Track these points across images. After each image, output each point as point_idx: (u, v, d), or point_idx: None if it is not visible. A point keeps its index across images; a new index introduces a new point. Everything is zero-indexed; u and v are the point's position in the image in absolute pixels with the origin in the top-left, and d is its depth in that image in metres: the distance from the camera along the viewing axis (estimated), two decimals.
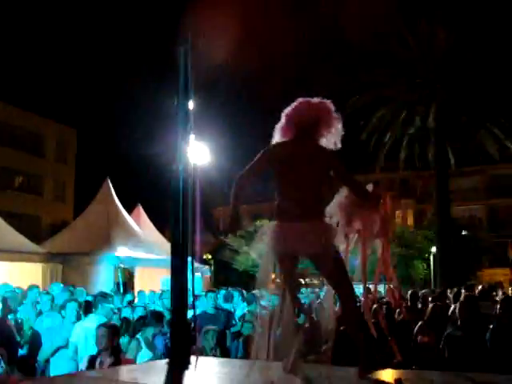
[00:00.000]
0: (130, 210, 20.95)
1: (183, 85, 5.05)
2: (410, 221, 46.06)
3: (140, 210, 22.17)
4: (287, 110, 4.43)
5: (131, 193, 27.08)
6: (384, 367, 4.17)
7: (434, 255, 30.85)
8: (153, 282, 17.42)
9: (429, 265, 33.35)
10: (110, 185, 19.74)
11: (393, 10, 28.20)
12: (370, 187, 4.53)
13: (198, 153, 5.08)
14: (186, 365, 4.60)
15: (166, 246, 19.97)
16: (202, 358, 4.99)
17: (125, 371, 4.42)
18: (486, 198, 46.61)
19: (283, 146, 4.37)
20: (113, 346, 5.58)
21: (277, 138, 4.43)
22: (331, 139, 4.46)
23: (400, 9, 29.22)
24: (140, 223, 20.81)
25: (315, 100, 4.42)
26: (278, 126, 4.43)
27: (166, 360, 4.73)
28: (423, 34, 27.63)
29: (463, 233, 35.88)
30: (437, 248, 28.67)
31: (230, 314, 9.62)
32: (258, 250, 4.44)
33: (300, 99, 4.43)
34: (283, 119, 4.42)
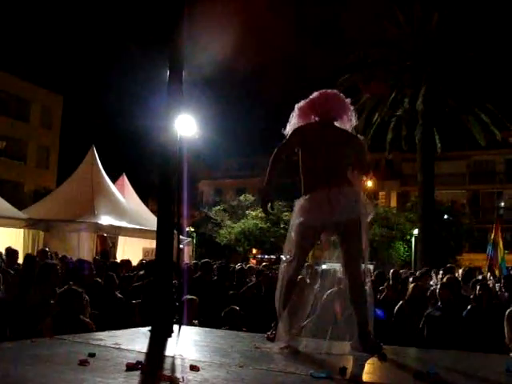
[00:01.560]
0: (114, 179, 20.84)
1: (176, 55, 4.99)
2: (394, 202, 46.34)
3: (124, 179, 22.04)
4: (313, 96, 4.79)
5: (116, 162, 26.97)
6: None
7: (415, 237, 31.08)
8: (135, 251, 17.41)
9: (410, 247, 33.64)
10: (95, 153, 19.60)
11: None
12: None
13: (185, 125, 5.01)
14: (168, 333, 4.61)
15: (149, 216, 20.04)
16: (184, 327, 5.00)
17: (108, 336, 4.41)
18: (469, 183, 46.96)
19: (313, 127, 4.69)
20: None
21: (297, 119, 4.78)
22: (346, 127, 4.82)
23: None
24: (124, 193, 20.72)
25: (333, 91, 4.83)
26: (300, 109, 4.79)
27: (149, 328, 4.72)
28: (416, 16, 27.58)
29: (445, 217, 36.14)
30: (419, 230, 28.87)
31: None
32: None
33: (322, 91, 4.82)
34: (306, 103, 4.77)
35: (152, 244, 16.47)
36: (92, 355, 3.51)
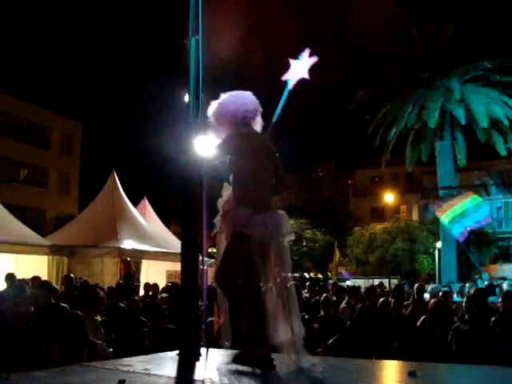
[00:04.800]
0: (135, 203, 20.96)
1: (194, 77, 5.02)
2: (415, 215, 46.00)
3: (146, 203, 22.16)
4: (227, 98, 4.57)
5: (137, 186, 27.12)
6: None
7: (438, 250, 30.80)
8: (158, 274, 17.46)
9: (434, 259, 33.31)
10: (116, 178, 19.74)
11: (399, 5, 28.15)
12: None
13: (205, 145, 5.04)
14: (196, 357, 4.60)
15: (172, 238, 20.08)
16: (212, 350, 4.99)
17: (137, 362, 4.42)
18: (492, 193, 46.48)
19: (246, 134, 4.49)
20: None
21: (215, 125, 4.58)
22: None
23: (407, 3, 29.12)
24: (146, 216, 20.82)
25: (246, 92, 4.63)
26: (216, 113, 4.56)
27: (177, 352, 4.72)
28: (430, 28, 27.56)
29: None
30: (442, 243, 28.59)
31: None
32: None
33: (237, 92, 4.61)
34: (222, 108, 4.54)
35: (175, 266, 16.51)
36: (122, 382, 3.52)
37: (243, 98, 4.58)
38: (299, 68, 5.06)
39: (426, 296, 10.67)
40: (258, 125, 4.66)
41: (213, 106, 4.59)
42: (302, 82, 5.12)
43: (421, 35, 27.91)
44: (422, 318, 7.80)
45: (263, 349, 4.16)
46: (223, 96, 4.61)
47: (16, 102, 38.85)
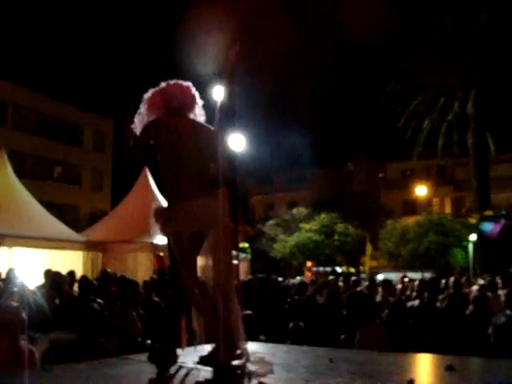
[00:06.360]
0: None
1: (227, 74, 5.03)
2: (448, 208, 45.49)
3: None
4: (160, 87, 4.43)
5: None
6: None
7: (473, 243, 30.45)
8: None
9: (468, 253, 32.94)
10: (149, 174, 19.87)
11: None
12: None
13: (235, 142, 5.02)
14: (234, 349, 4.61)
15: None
16: (248, 343, 5.01)
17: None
18: None
19: (162, 122, 4.31)
20: None
21: (146, 111, 4.41)
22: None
23: None
24: None
25: (185, 83, 4.46)
26: (151, 99, 4.42)
27: (213, 345, 4.74)
28: (463, 18, 27.18)
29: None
30: (477, 236, 28.25)
31: None
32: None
33: (172, 81, 4.46)
34: (159, 93, 4.40)
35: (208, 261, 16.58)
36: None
37: (178, 88, 4.41)
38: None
39: (474, 288, 10.50)
40: (197, 117, 4.46)
41: (148, 94, 4.46)
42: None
43: (453, 25, 27.55)
44: (462, 311, 7.71)
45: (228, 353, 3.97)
46: (161, 84, 4.46)
47: (49, 102, 39.53)
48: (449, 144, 28.38)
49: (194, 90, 4.47)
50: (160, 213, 4.17)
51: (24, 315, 4.78)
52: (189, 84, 4.47)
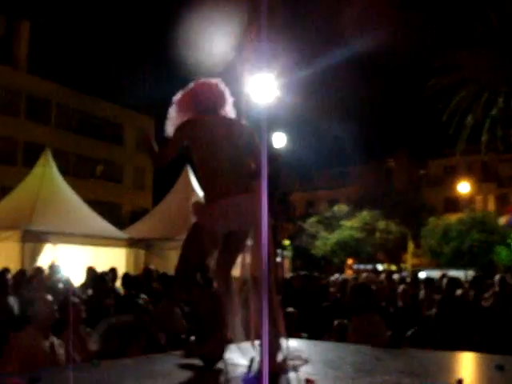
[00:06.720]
0: None
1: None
2: (492, 206, 44.72)
3: None
4: (189, 88, 4.37)
5: None
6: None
7: None
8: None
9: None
10: (190, 172, 20.00)
11: None
12: None
13: (276, 140, 4.98)
14: (278, 346, 4.61)
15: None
16: (291, 340, 5.00)
17: None
18: None
19: (196, 121, 4.23)
20: None
21: (178, 114, 4.35)
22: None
23: None
24: None
25: (213, 80, 4.38)
26: (181, 101, 4.36)
27: (258, 342, 4.75)
28: (507, 12, 26.63)
29: None
30: None
31: None
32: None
33: (200, 80, 4.40)
34: (188, 95, 4.35)
35: (248, 258, 16.62)
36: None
37: (207, 87, 4.36)
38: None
39: None
40: (227, 114, 4.40)
41: (177, 96, 4.40)
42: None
43: (498, 19, 27.01)
44: (508, 309, 7.57)
45: (213, 345, 3.97)
46: (189, 85, 4.41)
47: (92, 101, 40.19)
48: (492, 139, 27.85)
49: (223, 87, 4.40)
50: (197, 208, 4.17)
51: (81, 309, 4.87)
52: (217, 81, 4.40)
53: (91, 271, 10.80)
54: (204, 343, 4.03)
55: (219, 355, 3.99)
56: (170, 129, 4.31)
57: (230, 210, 3.97)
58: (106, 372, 3.70)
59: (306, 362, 3.98)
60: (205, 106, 4.28)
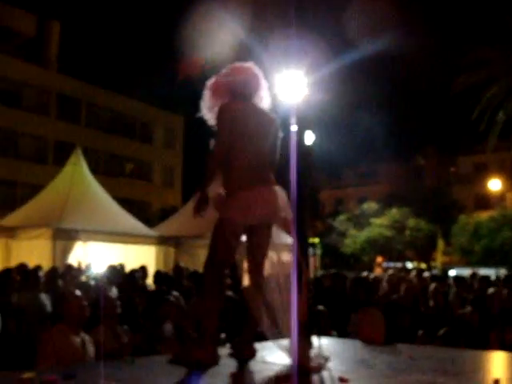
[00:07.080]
0: None
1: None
2: None
3: None
4: (223, 72, 4.28)
5: None
6: None
7: None
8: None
9: None
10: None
11: None
12: None
13: (306, 136, 4.96)
14: (309, 344, 4.60)
15: (274, 227, 20.23)
16: (323, 339, 4.99)
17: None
18: None
19: (231, 107, 4.09)
20: None
21: (212, 99, 4.25)
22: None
23: None
24: None
25: (246, 64, 4.28)
26: (215, 86, 4.26)
27: (289, 340, 4.74)
28: None
29: None
30: None
31: None
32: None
33: (233, 64, 4.30)
34: (216, 83, 4.25)
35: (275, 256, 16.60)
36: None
37: (241, 71, 4.25)
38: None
39: None
40: (262, 99, 4.30)
41: (211, 80, 4.30)
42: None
43: None
44: None
45: (201, 353, 3.84)
46: (223, 70, 4.32)
47: (121, 99, 40.54)
48: None
49: (256, 70, 4.29)
50: (218, 201, 4.05)
51: (115, 305, 4.92)
52: (250, 65, 4.29)
53: (113, 269, 10.93)
54: (195, 347, 3.94)
55: (215, 359, 3.91)
56: (205, 113, 4.25)
57: (252, 202, 3.90)
58: (139, 369, 3.73)
59: (328, 359, 3.90)
60: (239, 90, 4.19)
